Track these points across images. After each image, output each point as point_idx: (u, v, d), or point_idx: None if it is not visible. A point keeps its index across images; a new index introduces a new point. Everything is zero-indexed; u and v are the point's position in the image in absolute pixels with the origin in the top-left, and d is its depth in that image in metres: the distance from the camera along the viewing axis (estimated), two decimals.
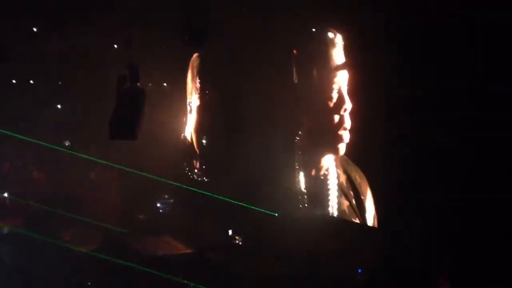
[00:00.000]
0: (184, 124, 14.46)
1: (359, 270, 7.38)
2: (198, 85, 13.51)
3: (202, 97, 13.61)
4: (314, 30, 8.61)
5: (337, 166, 8.42)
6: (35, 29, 11.72)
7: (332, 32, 8.49)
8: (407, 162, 6.90)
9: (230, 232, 10.52)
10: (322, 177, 8.86)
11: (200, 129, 13.91)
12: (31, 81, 14.96)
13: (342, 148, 8.22)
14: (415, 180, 6.78)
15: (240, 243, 10.28)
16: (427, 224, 6.62)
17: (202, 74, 13.38)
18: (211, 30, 6.84)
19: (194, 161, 13.90)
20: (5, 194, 13.47)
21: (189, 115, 14.21)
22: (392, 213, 7.22)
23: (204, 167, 13.55)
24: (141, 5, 8.65)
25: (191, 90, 14.05)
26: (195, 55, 13.63)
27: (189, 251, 10.41)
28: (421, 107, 6.77)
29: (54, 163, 14.66)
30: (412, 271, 6.58)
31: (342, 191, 8.48)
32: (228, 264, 9.43)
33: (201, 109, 13.93)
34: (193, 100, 13.84)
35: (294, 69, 9.18)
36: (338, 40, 8.34)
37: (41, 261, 9.39)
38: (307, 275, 8.18)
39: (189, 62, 13.76)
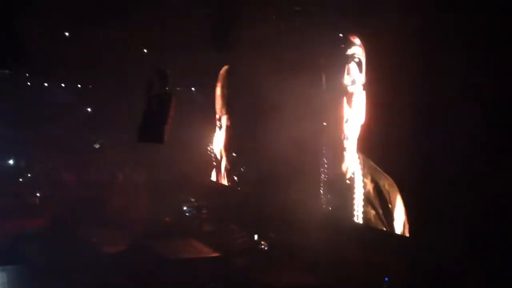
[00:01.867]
0: (212, 133, 14.41)
1: (386, 279, 7.29)
2: (226, 96, 13.49)
3: (229, 107, 13.57)
4: (341, 35, 8.59)
5: (364, 175, 8.32)
6: (66, 34, 11.89)
7: (357, 37, 8.47)
8: (439, 171, 6.75)
9: (256, 237, 10.49)
10: (347, 182, 8.77)
11: (229, 146, 13.83)
12: (62, 85, 15.19)
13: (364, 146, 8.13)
14: (447, 190, 6.64)
15: (265, 248, 10.22)
16: (458, 232, 6.47)
17: (229, 86, 13.36)
18: (241, 36, 6.91)
19: (223, 168, 13.88)
20: (37, 194, 13.69)
21: (218, 131, 14.13)
22: (423, 222, 7.06)
23: (232, 175, 13.53)
24: (172, 11, 8.74)
25: (221, 106, 13.99)
26: (224, 68, 13.59)
27: (214, 255, 10.42)
28: (450, 115, 6.64)
29: (82, 166, 14.85)
30: (441, 280, 6.48)
31: (369, 199, 8.38)
32: (253, 270, 9.40)
33: (228, 120, 13.87)
34: (222, 111, 13.79)
35: (323, 75, 9.16)
36: (363, 44, 8.32)
37: (68, 261, 9.50)
38: (332, 283, 8.11)
39: (218, 67, 13.74)
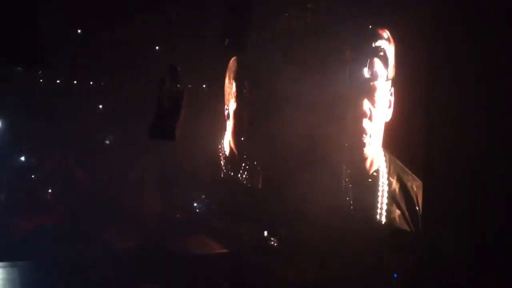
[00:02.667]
0: (223, 128, 14.46)
1: (395, 275, 7.32)
2: (234, 88, 13.54)
3: (238, 100, 13.59)
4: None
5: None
6: (79, 31, 11.99)
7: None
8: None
9: (265, 234, 10.51)
10: (370, 179, 8.51)
11: (237, 134, 13.87)
12: (75, 82, 15.30)
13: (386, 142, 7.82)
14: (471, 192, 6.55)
15: (275, 245, 10.27)
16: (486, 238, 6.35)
17: (238, 77, 13.37)
18: (253, 33, 6.90)
19: (233, 164, 13.91)
20: (50, 190, 13.80)
21: (227, 121, 14.14)
22: (434, 216, 7.00)
23: (242, 170, 13.54)
24: (183, 9, 8.79)
25: (228, 95, 14.04)
26: (232, 59, 13.60)
27: (224, 251, 10.49)
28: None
29: (95, 163, 14.96)
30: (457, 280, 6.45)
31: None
32: (263, 266, 9.44)
33: (237, 114, 13.89)
34: (230, 105, 13.85)
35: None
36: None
37: (81, 257, 9.60)
38: (342, 279, 8.13)
39: (227, 65, 13.73)
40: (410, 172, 7.55)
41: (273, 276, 8.82)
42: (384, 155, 8.10)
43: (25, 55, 5.11)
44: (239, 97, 12.55)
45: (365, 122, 8.50)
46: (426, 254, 7.14)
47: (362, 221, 8.51)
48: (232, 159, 13.26)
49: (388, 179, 8.08)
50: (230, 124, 13.11)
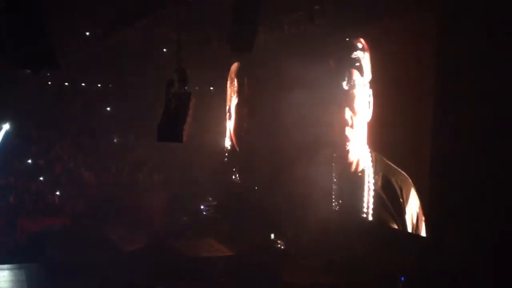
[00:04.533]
0: (225, 127, 14.48)
1: (402, 278, 7.29)
2: (235, 88, 13.71)
3: (238, 96, 13.77)
4: (347, 39, 8.88)
5: (376, 172, 8.39)
6: (87, 33, 12.04)
7: (361, 41, 8.67)
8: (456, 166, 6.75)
9: (272, 236, 10.51)
10: (356, 177, 8.85)
11: (238, 133, 14.01)
12: (83, 84, 15.36)
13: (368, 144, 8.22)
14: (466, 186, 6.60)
15: (282, 247, 10.25)
16: (474, 230, 6.45)
17: (238, 77, 13.58)
18: (257, 38, 6.95)
19: (235, 163, 13.93)
20: (58, 192, 13.85)
21: (228, 121, 14.28)
22: (439, 218, 7.04)
23: (242, 170, 13.58)
24: (191, 12, 8.83)
25: (230, 96, 14.18)
26: (235, 63, 13.77)
27: (231, 253, 10.48)
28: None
29: (103, 165, 14.99)
30: (454, 278, 6.45)
31: (379, 196, 8.47)
32: (269, 268, 9.43)
33: (238, 109, 14.04)
34: (232, 105, 13.97)
35: (331, 80, 9.38)
36: (368, 48, 8.57)
37: (88, 259, 9.62)
38: (347, 282, 8.11)
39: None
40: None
41: (279, 278, 8.82)
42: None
43: (34, 58, 5.13)
44: (239, 93, 12.72)
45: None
46: (431, 256, 7.14)
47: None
48: (234, 157, 13.32)
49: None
50: (231, 122, 13.24)
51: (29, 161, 14.97)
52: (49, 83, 14.70)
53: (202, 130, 11.97)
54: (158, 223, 11.85)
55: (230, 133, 13.34)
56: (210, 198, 13.52)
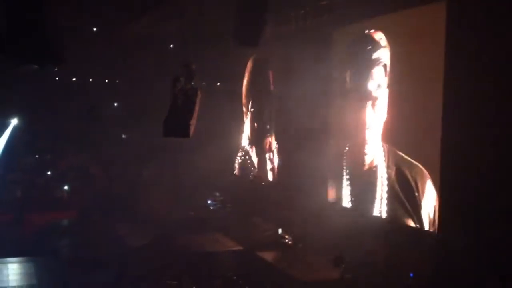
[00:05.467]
0: (240, 125, 14.45)
1: (411, 274, 7.26)
2: (256, 88, 13.54)
3: (259, 100, 13.63)
4: (366, 32, 8.56)
5: (388, 166, 8.25)
6: (94, 29, 12.05)
7: (382, 36, 8.40)
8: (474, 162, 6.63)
9: (280, 231, 10.49)
10: (370, 172, 8.69)
11: (256, 133, 13.89)
12: (90, 80, 15.38)
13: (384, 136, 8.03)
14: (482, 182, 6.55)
15: (289, 242, 10.22)
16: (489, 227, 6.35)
17: (260, 73, 13.40)
18: (266, 33, 6.90)
19: (248, 162, 13.91)
20: (65, 187, 13.91)
21: (245, 119, 14.18)
22: (453, 213, 6.94)
23: (258, 167, 13.51)
24: (198, 7, 8.81)
25: (248, 93, 14.02)
26: (251, 58, 13.64)
27: (239, 248, 10.48)
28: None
29: (110, 161, 15.02)
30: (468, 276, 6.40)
31: (394, 191, 8.33)
32: (277, 263, 9.42)
33: (257, 113, 13.91)
34: (251, 103, 13.84)
35: (348, 70, 9.13)
36: (387, 41, 8.25)
37: (95, 254, 9.66)
38: (357, 277, 8.08)
39: (243, 62, 13.80)
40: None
41: (287, 274, 8.81)
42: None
43: (41, 53, 5.13)
44: (263, 93, 12.55)
45: (367, 133, 8.88)
46: (442, 253, 7.10)
47: (371, 218, 8.70)
48: (249, 155, 13.27)
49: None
50: (248, 121, 13.18)
51: (37, 157, 15.08)
52: (57, 78, 14.74)
53: (210, 126, 11.94)
54: (165, 218, 11.87)
55: (248, 133, 13.32)
56: (217, 193, 13.53)
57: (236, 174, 13.80)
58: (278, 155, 11.99)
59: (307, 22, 9.83)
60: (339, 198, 9.55)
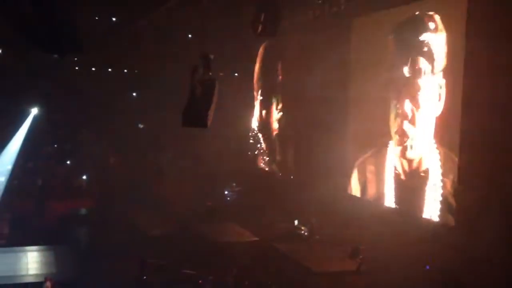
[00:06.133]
0: (251, 110, 14.36)
1: (427, 267, 7.22)
2: (264, 76, 13.47)
3: (269, 83, 13.55)
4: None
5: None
6: (114, 19, 12.09)
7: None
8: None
9: (296, 223, 10.46)
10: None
11: (267, 117, 13.81)
12: (110, 69, 15.45)
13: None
14: None
15: (305, 234, 10.19)
16: None
17: (269, 61, 13.32)
18: (283, 22, 6.88)
19: (261, 152, 13.84)
20: (84, 177, 14.04)
21: (256, 104, 14.09)
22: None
23: (271, 158, 13.44)
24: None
25: (258, 79, 13.94)
26: (263, 45, 13.55)
27: (255, 239, 10.48)
28: None
29: (128, 150, 15.11)
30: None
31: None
32: (293, 254, 9.40)
33: (267, 97, 13.81)
34: (261, 88, 13.79)
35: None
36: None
37: (113, 241, 9.74)
38: (372, 270, 8.05)
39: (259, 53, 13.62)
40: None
41: (302, 265, 8.82)
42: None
43: (61, 43, 5.17)
44: (271, 78, 12.58)
45: (406, 125, 8.29)
46: (460, 245, 7.03)
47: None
48: (261, 145, 13.31)
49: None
50: (258, 106, 13.31)
51: (57, 146, 15.22)
52: (76, 68, 14.84)
53: (228, 117, 11.95)
54: (183, 208, 11.94)
55: (258, 116, 13.38)
56: (234, 184, 13.56)
57: (253, 164, 13.84)
58: (288, 144, 11.99)
59: (325, 12, 9.73)
60: (362, 191, 9.46)
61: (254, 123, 13.52)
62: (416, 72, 7.95)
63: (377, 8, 8.78)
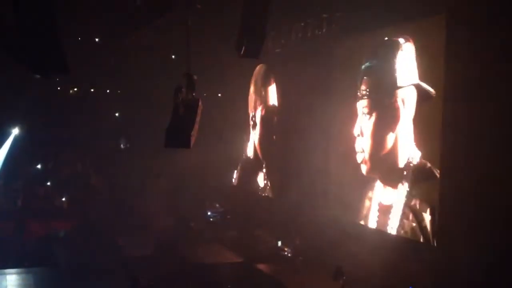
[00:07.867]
0: (247, 135, 14.28)
1: (410, 287, 7.23)
2: (263, 97, 13.42)
3: (267, 109, 13.50)
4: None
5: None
6: (96, 39, 12.11)
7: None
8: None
9: (279, 244, 10.43)
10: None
11: (264, 143, 13.71)
12: (92, 90, 15.42)
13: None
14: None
15: (289, 255, 10.16)
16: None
17: (267, 86, 13.30)
18: (267, 44, 6.96)
19: (253, 172, 13.71)
20: (65, 197, 13.87)
21: (251, 130, 14.02)
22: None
23: (266, 180, 13.30)
24: (199, 17, 8.84)
25: (255, 103, 13.92)
26: (258, 66, 13.57)
27: (238, 260, 10.41)
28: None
29: (111, 170, 15.02)
30: None
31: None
32: (276, 276, 9.35)
33: (265, 122, 13.77)
34: (257, 113, 13.75)
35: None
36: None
37: (95, 263, 9.61)
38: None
39: (245, 73, 13.76)
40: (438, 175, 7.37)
41: (286, 286, 8.77)
42: (413, 162, 7.85)
43: (44, 63, 5.15)
44: (269, 103, 12.54)
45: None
46: (441, 265, 7.07)
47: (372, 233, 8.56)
48: (253, 167, 13.23)
49: (407, 191, 7.90)
50: (256, 132, 13.24)
51: (38, 166, 15.07)
52: (58, 88, 14.78)
53: (211, 136, 11.94)
54: (165, 228, 11.85)
55: (254, 143, 13.24)
56: (218, 205, 13.51)
57: (237, 184, 13.77)
58: (276, 167, 11.99)
59: (308, 35, 9.86)
60: (343, 210, 9.46)
61: (250, 149, 13.42)
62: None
63: (358, 30, 8.92)
